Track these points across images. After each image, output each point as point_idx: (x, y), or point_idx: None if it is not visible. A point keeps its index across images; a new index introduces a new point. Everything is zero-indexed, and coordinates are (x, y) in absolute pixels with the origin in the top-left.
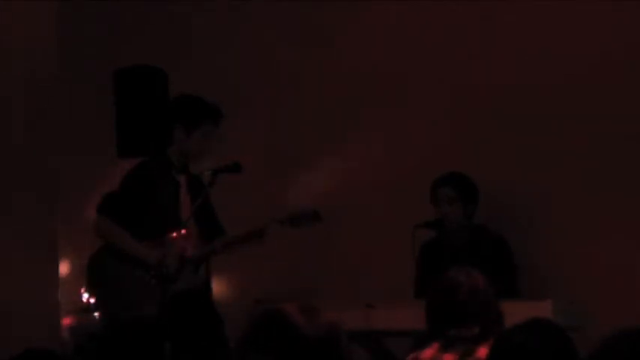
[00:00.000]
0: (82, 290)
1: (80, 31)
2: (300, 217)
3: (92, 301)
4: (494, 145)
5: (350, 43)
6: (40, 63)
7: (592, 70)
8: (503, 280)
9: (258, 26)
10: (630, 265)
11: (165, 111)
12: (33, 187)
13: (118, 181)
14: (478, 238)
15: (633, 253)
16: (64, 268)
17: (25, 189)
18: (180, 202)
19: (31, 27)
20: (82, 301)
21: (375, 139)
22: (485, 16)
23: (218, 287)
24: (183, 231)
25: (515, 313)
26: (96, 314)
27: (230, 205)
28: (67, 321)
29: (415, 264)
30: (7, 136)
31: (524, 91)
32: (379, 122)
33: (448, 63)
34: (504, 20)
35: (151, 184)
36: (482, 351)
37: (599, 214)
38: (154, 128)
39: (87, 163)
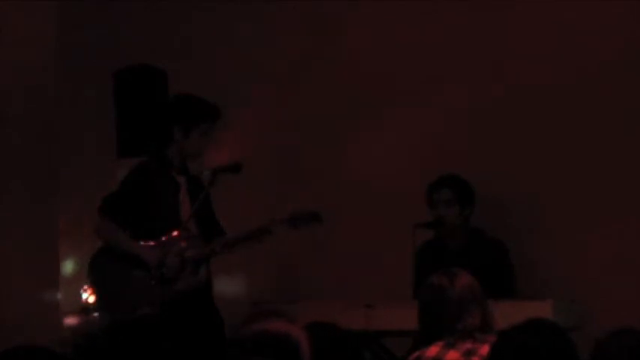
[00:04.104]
0: (82, 290)
1: (80, 31)
2: (301, 217)
3: (92, 301)
4: (494, 145)
5: (350, 43)
6: (40, 63)
7: (591, 71)
8: (502, 281)
9: (258, 26)
10: (630, 265)
11: (164, 110)
12: (33, 187)
13: (118, 182)
14: (475, 240)
15: (633, 253)
16: (64, 268)
17: (25, 189)
18: (180, 203)
19: (31, 27)
20: (82, 301)
21: (375, 139)
22: (484, 16)
23: (217, 288)
24: (183, 231)
25: (515, 313)
26: (96, 314)
27: (230, 205)
28: (67, 321)
29: (413, 266)
30: (7, 136)
31: (524, 92)
32: (379, 122)
33: (448, 63)
34: (503, 21)
35: (151, 184)
36: (485, 349)
37: (600, 214)
38: (153, 128)
39: (87, 163)
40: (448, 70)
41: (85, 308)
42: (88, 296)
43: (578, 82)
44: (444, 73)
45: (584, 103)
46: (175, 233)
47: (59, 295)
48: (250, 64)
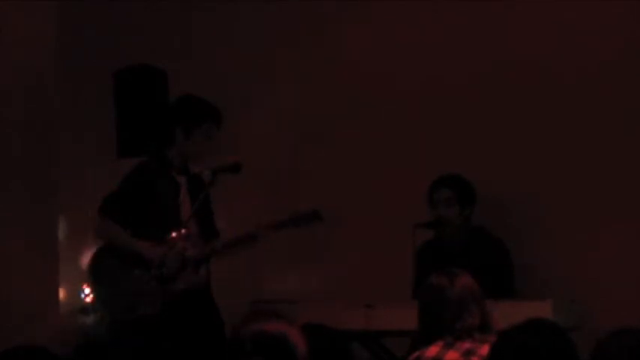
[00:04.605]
0: (83, 290)
1: (80, 31)
2: (301, 216)
3: (92, 301)
4: (493, 145)
5: (350, 43)
6: (40, 63)
7: (591, 71)
8: (502, 281)
9: (258, 26)
10: (630, 265)
11: (165, 111)
12: (33, 187)
13: (118, 181)
14: (476, 239)
15: (633, 253)
16: (64, 268)
17: (25, 189)
18: (180, 203)
19: (31, 27)
20: (82, 301)
21: (375, 138)
22: (484, 16)
23: (217, 287)
24: (183, 231)
25: (515, 313)
26: (96, 314)
27: (230, 205)
28: (66, 321)
29: (413, 266)
30: (6, 135)
31: (524, 92)
32: (379, 122)
33: (447, 63)
34: (503, 21)
35: (151, 184)
36: (485, 349)
37: (600, 214)
38: (154, 128)
39: (87, 163)
40: (448, 70)
41: (85, 308)
42: (89, 296)
43: (578, 82)
44: (444, 73)
45: (584, 103)
46: (176, 233)
47: (59, 295)
48: (250, 64)
